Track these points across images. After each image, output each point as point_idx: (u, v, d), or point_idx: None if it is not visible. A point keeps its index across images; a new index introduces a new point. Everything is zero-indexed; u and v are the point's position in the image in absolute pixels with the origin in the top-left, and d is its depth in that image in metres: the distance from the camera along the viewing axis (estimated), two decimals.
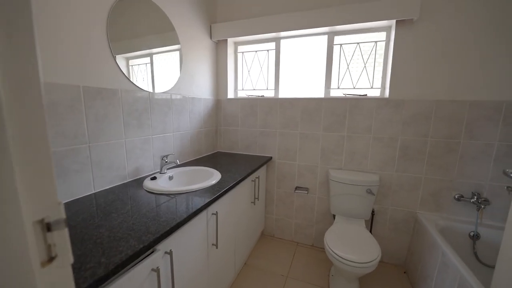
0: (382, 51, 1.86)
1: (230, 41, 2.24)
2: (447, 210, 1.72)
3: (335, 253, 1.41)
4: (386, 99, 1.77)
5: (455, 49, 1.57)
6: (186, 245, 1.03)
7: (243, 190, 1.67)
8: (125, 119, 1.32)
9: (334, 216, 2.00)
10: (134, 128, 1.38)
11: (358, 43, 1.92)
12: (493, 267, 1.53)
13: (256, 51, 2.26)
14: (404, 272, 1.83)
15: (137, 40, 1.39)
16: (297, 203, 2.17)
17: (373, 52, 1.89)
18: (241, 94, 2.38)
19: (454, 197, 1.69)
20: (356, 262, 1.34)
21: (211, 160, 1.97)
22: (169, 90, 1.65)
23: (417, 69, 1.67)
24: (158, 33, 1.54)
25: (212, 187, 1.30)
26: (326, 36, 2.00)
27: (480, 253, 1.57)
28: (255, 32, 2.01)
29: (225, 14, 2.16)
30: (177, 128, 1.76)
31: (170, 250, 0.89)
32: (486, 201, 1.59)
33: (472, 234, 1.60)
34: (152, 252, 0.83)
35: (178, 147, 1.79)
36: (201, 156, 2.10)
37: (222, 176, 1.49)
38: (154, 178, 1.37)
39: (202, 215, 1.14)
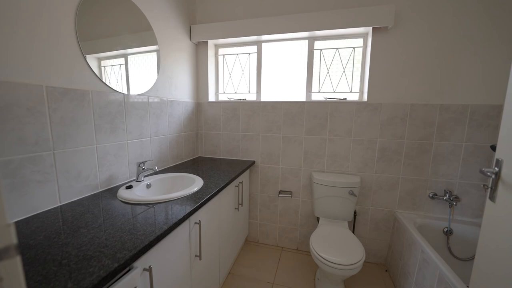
0: (360, 57, 1.93)
1: (211, 43, 2.19)
2: (423, 208, 1.81)
3: (322, 257, 1.41)
4: (365, 102, 1.83)
5: (426, 56, 1.67)
6: (167, 259, 0.95)
7: (227, 196, 1.62)
8: (96, 123, 1.20)
9: (318, 218, 2.01)
10: (106, 132, 1.26)
11: (337, 48, 1.98)
12: (464, 260, 1.63)
13: (237, 54, 2.24)
14: (386, 271, 1.88)
15: (111, 39, 1.29)
16: (281, 207, 2.15)
17: (352, 57, 1.96)
18: (223, 97, 2.33)
19: (429, 195, 1.78)
20: (342, 265, 1.34)
21: (192, 165, 1.88)
22: (146, 92, 1.55)
23: (392, 74, 1.75)
24: (134, 32, 1.45)
25: (195, 194, 1.23)
26: (306, 41, 2.03)
27: (453, 247, 1.67)
28: (236, 35, 1.98)
29: (205, 16, 2.11)
30: (155, 132, 1.66)
31: (150, 266, 0.81)
32: (457, 198, 1.70)
33: (445, 230, 1.69)
34: (129, 270, 0.74)
35: (157, 152, 1.69)
36: (181, 162, 2.00)
37: (204, 183, 1.42)
38: (130, 187, 1.26)
39: (184, 225, 1.07)
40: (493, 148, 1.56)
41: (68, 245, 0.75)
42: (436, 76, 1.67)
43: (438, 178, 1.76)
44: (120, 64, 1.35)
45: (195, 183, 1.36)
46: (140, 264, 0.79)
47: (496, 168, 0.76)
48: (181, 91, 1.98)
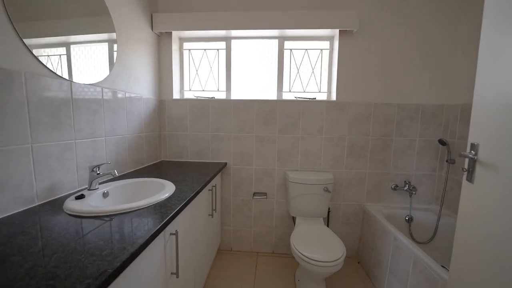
0: (327, 59, 2.01)
1: (175, 35, 2.00)
2: (387, 199, 1.95)
3: (305, 256, 1.36)
4: (334, 101, 1.90)
5: (386, 60, 1.84)
6: (141, 282, 0.76)
7: (201, 202, 1.45)
8: (32, 115, 0.92)
9: (293, 218, 1.98)
10: (47, 128, 0.99)
11: (306, 49, 2.03)
12: (423, 243, 1.80)
13: (205, 50, 2.09)
14: (358, 262, 1.96)
15: (55, 21, 1.02)
16: (255, 210, 2.06)
17: (320, 59, 2.03)
18: (189, 95, 2.14)
19: (391, 187, 1.94)
20: (326, 262, 1.32)
21: (156, 170, 1.65)
22: (99, 83, 1.29)
23: (358, 76, 1.87)
24: (88, 15, 1.20)
25: (168, 200, 1.04)
26: (277, 41, 2.03)
27: (414, 233, 1.83)
28: (202, 27, 1.85)
29: (168, 4, 1.92)
30: (111, 131, 1.39)
31: None
32: (414, 188, 1.88)
33: (407, 218, 1.85)
34: None
35: (113, 155, 1.42)
36: (142, 167, 1.74)
37: (177, 187, 1.24)
38: (81, 197, 1.00)
39: (159, 238, 0.88)
40: (441, 141, 1.79)
41: None
42: (394, 78, 1.85)
43: (398, 171, 1.93)
44: (67, 47, 1.09)
45: (166, 188, 1.16)
46: None
47: (472, 152, 0.82)
48: (142, 86, 1.74)
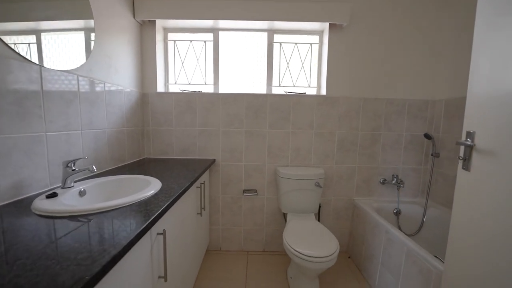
0: (317, 53, 2.00)
1: (159, 25, 1.88)
2: (376, 193, 1.97)
3: (299, 252, 1.32)
4: (324, 96, 1.89)
5: (375, 55, 1.85)
6: None
7: (189, 199, 1.37)
8: None
9: (284, 215, 1.95)
10: (11, 118, 0.86)
11: (296, 43, 1.99)
12: (411, 235, 1.83)
13: (191, 41, 2.00)
14: (349, 257, 1.96)
15: (23, 4, 0.90)
16: (245, 208, 2.00)
17: (309, 53, 2.01)
18: (174, 89, 2.04)
19: (380, 181, 1.96)
20: (321, 257, 1.29)
21: (139, 168, 1.54)
22: (74, 70, 1.17)
23: (347, 70, 1.87)
24: None
25: (154, 197, 0.95)
26: (266, 34, 1.98)
27: (402, 225, 1.86)
28: (187, 16, 1.76)
29: None
30: (88, 124, 1.27)
31: None
32: (402, 182, 1.92)
33: (395, 211, 1.88)
34: None
35: (91, 150, 1.29)
36: (123, 164, 1.62)
37: (163, 184, 1.15)
38: (53, 196, 0.89)
39: (145, 238, 0.80)
40: (426, 136, 1.83)
41: None
42: (383, 73, 1.87)
43: (386, 165, 1.95)
44: (37, 35, 0.96)
45: (152, 185, 1.07)
46: None
47: (468, 140, 0.82)
48: (123, 77, 1.61)
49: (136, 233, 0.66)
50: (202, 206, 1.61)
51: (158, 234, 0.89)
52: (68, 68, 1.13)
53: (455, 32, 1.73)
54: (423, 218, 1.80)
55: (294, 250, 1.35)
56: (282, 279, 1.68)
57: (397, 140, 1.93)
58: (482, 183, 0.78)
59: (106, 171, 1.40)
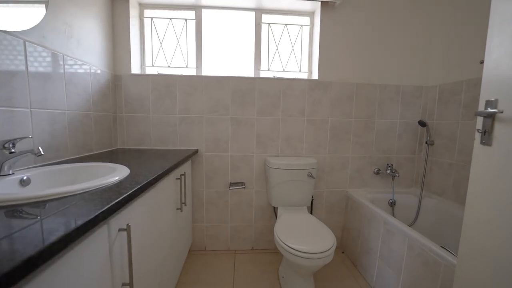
0: (308, 37, 1.87)
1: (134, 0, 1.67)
2: (370, 184, 1.88)
3: (293, 248, 1.18)
4: (316, 80, 1.76)
5: (368, 37, 1.75)
6: None
7: (167, 191, 1.18)
8: None
9: (275, 209, 1.80)
10: None
11: (285, 24, 1.86)
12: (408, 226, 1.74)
13: (170, 19, 1.80)
14: (343, 252, 1.85)
15: None
16: (232, 203, 1.83)
17: (300, 36, 1.88)
18: (151, 71, 1.83)
19: (374, 171, 1.87)
20: (317, 253, 1.15)
21: (110, 158, 1.33)
22: (20, 33, 0.94)
23: (340, 54, 1.76)
24: None
25: (117, 185, 0.77)
26: (253, 13, 1.83)
27: (398, 216, 1.78)
28: None
29: None
30: (41, 102, 1.05)
31: None
32: (396, 171, 1.83)
33: (390, 201, 1.79)
34: None
35: (45, 134, 1.07)
36: (90, 154, 1.40)
37: (132, 171, 0.96)
38: None
39: (100, 234, 0.61)
40: (421, 123, 1.76)
41: None
42: (376, 57, 1.77)
43: (380, 154, 1.86)
44: None
45: (117, 172, 0.88)
46: None
47: (489, 109, 0.71)
48: (89, 53, 1.39)
49: (77, 226, 0.47)
50: (183, 201, 1.42)
51: (120, 230, 0.71)
52: (9, 29, 0.91)
53: (451, 13, 1.66)
54: (418, 208, 1.72)
55: (287, 246, 1.21)
56: (273, 280, 1.53)
57: (391, 128, 1.84)
58: (508, 158, 0.67)
59: (67, 160, 1.18)
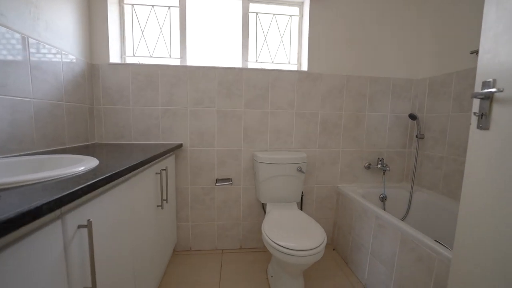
0: (297, 28, 1.81)
1: None
2: (360, 178, 1.84)
3: (281, 245, 1.11)
4: (306, 72, 1.71)
5: (359, 28, 1.71)
6: None
7: (145, 186, 1.09)
8: None
9: (263, 205, 1.73)
10: None
11: (274, 14, 1.79)
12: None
13: (152, 6, 1.70)
14: (333, 249, 1.80)
15: None
16: (219, 200, 1.74)
17: (289, 27, 1.82)
18: (132, 61, 1.72)
19: (365, 165, 1.83)
20: (306, 250, 1.09)
21: (84, 152, 1.22)
22: None
23: (330, 45, 1.71)
24: None
25: (80, 176, 0.67)
26: (241, 2, 1.75)
27: (389, 211, 1.74)
28: None
29: None
30: None
31: None
32: (387, 166, 1.80)
33: (381, 196, 1.75)
34: None
35: (5, 123, 0.96)
36: (62, 148, 1.29)
37: (101, 162, 0.86)
38: None
39: (51, 230, 0.52)
40: (411, 116, 1.73)
41: None
42: (367, 49, 1.73)
43: (371, 148, 1.82)
44: None
45: (84, 163, 0.78)
46: None
47: (487, 89, 0.66)
48: (61, 38, 1.28)
49: (8, 218, 0.38)
50: (164, 198, 1.33)
51: (80, 226, 0.61)
52: None
53: (440, 4, 1.64)
54: (409, 203, 1.69)
55: (276, 244, 1.14)
56: (261, 279, 1.46)
57: (382, 122, 1.81)
58: (508, 142, 0.63)
59: (33, 153, 1.07)
